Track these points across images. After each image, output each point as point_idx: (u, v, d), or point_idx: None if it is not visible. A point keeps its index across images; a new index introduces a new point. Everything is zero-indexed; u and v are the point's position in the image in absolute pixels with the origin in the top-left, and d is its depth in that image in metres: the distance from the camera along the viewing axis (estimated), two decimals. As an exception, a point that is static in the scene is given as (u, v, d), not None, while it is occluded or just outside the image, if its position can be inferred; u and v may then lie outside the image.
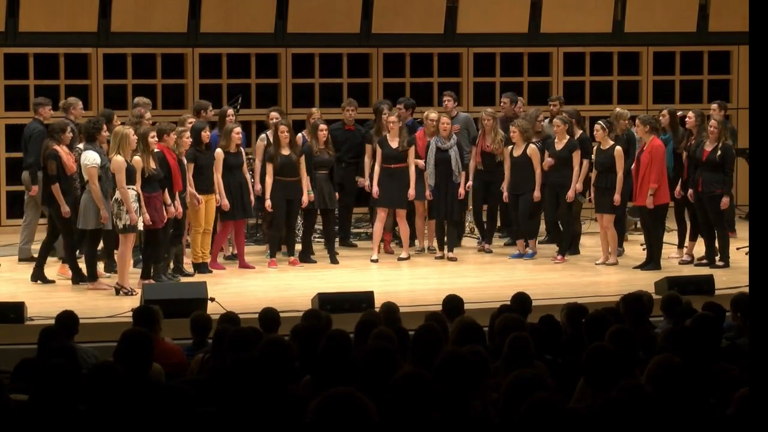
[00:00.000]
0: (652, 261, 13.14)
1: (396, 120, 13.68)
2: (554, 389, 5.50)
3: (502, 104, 15.06)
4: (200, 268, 12.76)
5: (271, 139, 13.42)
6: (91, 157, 11.81)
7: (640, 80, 17.96)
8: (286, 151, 13.16)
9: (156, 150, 12.05)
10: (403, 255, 13.76)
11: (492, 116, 14.17)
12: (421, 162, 13.76)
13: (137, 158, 11.71)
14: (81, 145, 12.27)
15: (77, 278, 12.19)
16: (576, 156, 13.50)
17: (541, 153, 13.57)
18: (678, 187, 13.34)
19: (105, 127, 12.24)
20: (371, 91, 17.09)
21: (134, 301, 10.69)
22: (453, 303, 8.66)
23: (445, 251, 13.76)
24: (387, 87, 17.03)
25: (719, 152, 12.89)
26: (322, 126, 13.66)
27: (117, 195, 11.65)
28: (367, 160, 14.10)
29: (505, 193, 13.79)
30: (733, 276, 12.48)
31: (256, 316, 8.51)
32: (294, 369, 6.34)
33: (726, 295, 9.99)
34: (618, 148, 13.24)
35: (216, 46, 16.56)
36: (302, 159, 13.22)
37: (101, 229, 11.89)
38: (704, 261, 13.27)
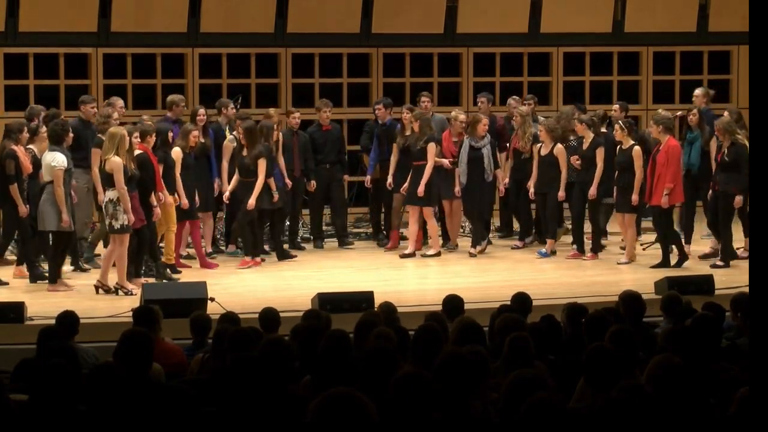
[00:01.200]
0: (663, 259, 13.17)
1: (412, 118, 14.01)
2: (554, 389, 5.49)
3: (479, 104, 15.06)
4: (173, 269, 12.76)
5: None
6: (59, 159, 11.78)
7: (640, 80, 17.97)
8: (245, 152, 13.29)
9: (139, 151, 12.05)
10: (409, 251, 13.89)
11: (521, 114, 14.32)
12: (445, 161, 13.87)
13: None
14: (33, 147, 12.35)
15: (34, 278, 12.21)
16: (600, 154, 13.54)
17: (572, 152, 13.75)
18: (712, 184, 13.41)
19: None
20: (371, 91, 17.09)
21: (134, 301, 10.68)
22: (453, 303, 8.65)
23: (477, 248, 14.00)
24: (387, 87, 17.04)
25: (730, 152, 12.96)
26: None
27: (112, 195, 11.62)
28: (393, 158, 14.20)
29: (532, 191, 13.92)
30: (733, 276, 12.47)
31: (256, 316, 8.50)
32: (294, 369, 6.34)
33: (726, 295, 9.97)
34: (637, 148, 13.30)
35: (216, 46, 16.56)
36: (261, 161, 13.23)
37: (64, 232, 11.86)
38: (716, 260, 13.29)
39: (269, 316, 8.39)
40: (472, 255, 13.86)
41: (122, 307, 10.63)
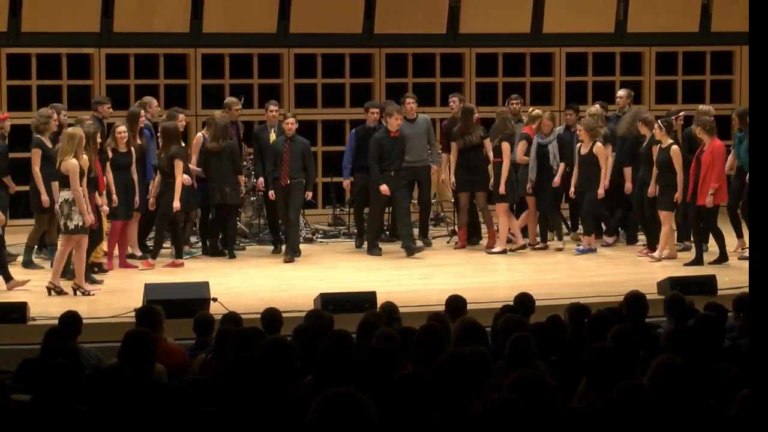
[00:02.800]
0: (719, 257, 13.31)
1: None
2: (555, 389, 5.49)
3: (451, 104, 14.94)
4: (100, 267, 12.75)
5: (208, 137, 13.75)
6: None
7: (643, 80, 17.98)
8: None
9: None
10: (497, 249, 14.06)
11: (574, 110, 14.72)
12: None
13: (85, 158, 11.68)
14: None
15: None
16: (654, 152, 13.61)
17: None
18: None
19: None
20: (374, 91, 17.09)
21: (137, 301, 10.69)
22: (456, 303, 8.65)
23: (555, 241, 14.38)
24: (389, 87, 17.05)
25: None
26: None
27: (67, 196, 11.56)
28: (452, 158, 14.27)
29: (572, 189, 14.05)
30: (735, 276, 12.47)
31: (259, 316, 8.51)
32: (296, 369, 6.34)
33: (728, 296, 9.98)
34: (675, 147, 13.41)
35: (218, 46, 16.57)
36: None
37: None
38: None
39: (271, 316, 8.39)
40: (559, 249, 14.21)
41: (125, 307, 10.64)
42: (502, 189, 13.89)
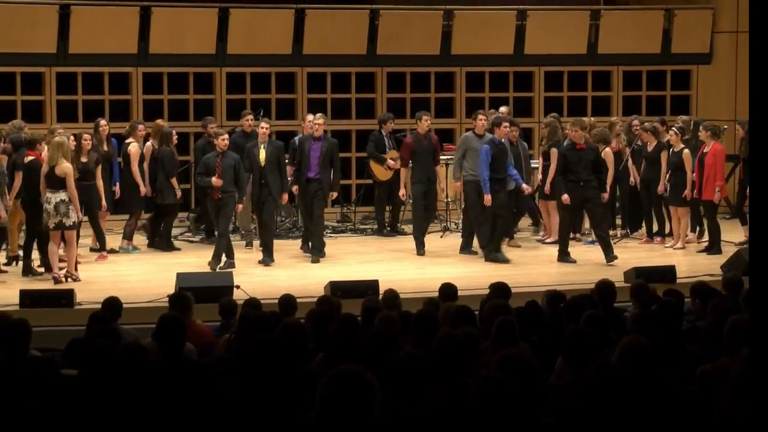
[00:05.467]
0: (714, 246, 13.43)
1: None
2: (536, 366, 5.47)
3: (423, 120, 13.93)
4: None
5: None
6: None
7: (612, 95, 17.93)
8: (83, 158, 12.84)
9: (31, 158, 11.87)
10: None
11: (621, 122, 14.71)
12: None
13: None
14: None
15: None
16: (663, 156, 13.77)
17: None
18: None
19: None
20: (376, 105, 17.07)
21: (170, 288, 10.67)
22: (448, 290, 8.61)
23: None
24: (390, 101, 17.02)
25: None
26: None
27: (64, 197, 11.47)
28: (553, 165, 13.74)
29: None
30: (692, 267, 12.50)
31: (276, 301, 8.49)
32: (308, 348, 6.33)
33: (686, 283, 9.95)
34: (686, 150, 13.64)
35: (241, 65, 16.55)
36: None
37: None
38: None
39: (287, 301, 8.38)
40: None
41: (160, 293, 10.61)
42: (547, 188, 13.85)
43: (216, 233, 12.92)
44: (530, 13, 17.31)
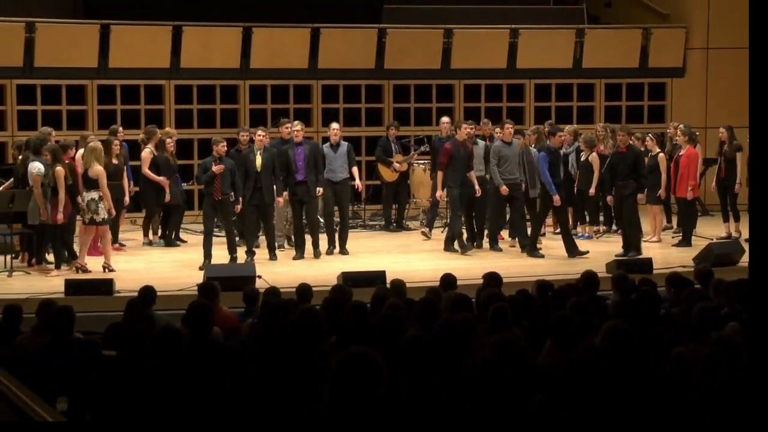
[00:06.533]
0: (685, 240, 13.42)
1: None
2: (526, 349, 5.46)
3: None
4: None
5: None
6: (37, 167, 11.49)
7: (595, 105, 17.89)
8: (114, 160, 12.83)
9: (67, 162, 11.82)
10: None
11: (605, 128, 14.38)
12: None
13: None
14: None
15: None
16: (662, 162, 13.61)
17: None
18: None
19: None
20: (383, 114, 17.07)
21: (199, 278, 10.68)
22: (448, 280, 8.61)
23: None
24: (396, 111, 17.00)
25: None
26: (169, 140, 13.63)
27: (94, 195, 11.46)
28: (596, 171, 13.63)
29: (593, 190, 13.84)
30: (667, 258, 12.48)
31: (294, 289, 8.48)
32: (323, 332, 6.33)
33: (661, 274, 9.93)
34: (661, 155, 13.62)
35: (262, 78, 16.54)
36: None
37: (45, 224, 11.55)
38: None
39: (304, 290, 8.37)
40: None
41: (189, 283, 10.62)
42: (592, 191, 13.73)
43: (213, 232, 12.52)
44: (521, 32, 17.28)
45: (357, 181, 13.24)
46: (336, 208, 13.33)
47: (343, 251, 13.10)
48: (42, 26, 15.32)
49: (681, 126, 14.07)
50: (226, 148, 12.31)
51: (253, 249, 12.52)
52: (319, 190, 12.79)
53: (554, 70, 17.46)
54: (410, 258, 13.04)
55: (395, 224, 15.20)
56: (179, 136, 14.18)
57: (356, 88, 17.03)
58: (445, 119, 14.64)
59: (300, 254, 12.76)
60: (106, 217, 11.55)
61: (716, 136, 14.84)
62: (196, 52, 16.02)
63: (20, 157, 12.24)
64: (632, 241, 12.66)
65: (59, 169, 11.44)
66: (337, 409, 3.72)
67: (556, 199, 12.70)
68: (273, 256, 12.66)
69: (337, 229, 13.24)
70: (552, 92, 17.68)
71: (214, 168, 11.96)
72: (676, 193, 13.58)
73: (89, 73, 15.71)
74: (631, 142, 13.07)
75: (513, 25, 17.31)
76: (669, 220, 14.16)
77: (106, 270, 11.60)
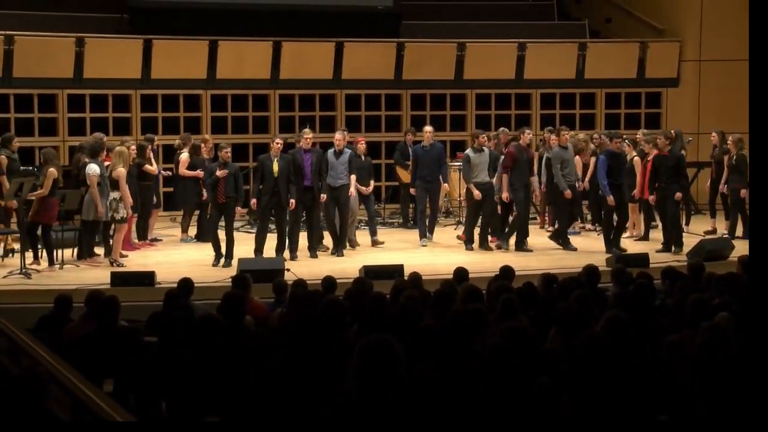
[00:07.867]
0: (646, 237, 13.41)
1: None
2: (533, 336, 5.45)
3: (527, 134, 13.18)
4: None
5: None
6: (93, 168, 11.57)
7: (596, 113, 17.84)
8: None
9: (107, 163, 11.79)
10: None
11: (587, 138, 14.34)
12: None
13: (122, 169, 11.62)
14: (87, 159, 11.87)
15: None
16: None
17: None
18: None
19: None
20: (402, 121, 17.07)
21: (232, 271, 10.69)
22: (461, 273, 8.60)
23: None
24: (413, 118, 16.99)
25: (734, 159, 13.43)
26: (203, 145, 13.56)
27: (116, 195, 11.55)
28: (639, 174, 13.33)
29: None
30: (662, 254, 12.41)
31: (320, 282, 8.49)
32: (346, 321, 6.33)
33: (657, 268, 9.88)
34: (636, 158, 13.43)
35: (291, 88, 16.57)
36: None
37: (98, 221, 11.68)
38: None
39: (329, 282, 8.37)
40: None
41: (223, 275, 10.64)
42: (638, 192, 13.45)
43: (218, 233, 12.35)
44: (528, 46, 17.23)
45: (352, 189, 12.77)
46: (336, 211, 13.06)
47: (339, 252, 12.71)
48: (90, 41, 15.43)
49: (641, 132, 14.12)
50: (230, 154, 12.04)
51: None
52: (323, 196, 12.55)
53: (558, 80, 17.41)
54: (426, 253, 13.02)
55: (412, 222, 15.18)
56: (214, 141, 14.19)
57: (377, 97, 17.03)
58: (428, 128, 14.05)
59: (313, 254, 12.48)
60: (124, 215, 11.62)
61: (709, 141, 14.78)
62: (230, 64, 16.07)
63: (74, 160, 12.38)
64: (676, 239, 12.55)
65: (121, 170, 11.68)
66: (361, 392, 3.72)
67: (610, 199, 12.61)
68: (292, 256, 12.23)
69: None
70: (557, 101, 17.63)
71: (218, 173, 11.82)
72: (643, 194, 13.19)
73: (133, 83, 15.78)
74: (622, 146, 13.15)
75: (521, 40, 17.27)
76: (653, 218, 13.95)
77: (114, 264, 11.57)
